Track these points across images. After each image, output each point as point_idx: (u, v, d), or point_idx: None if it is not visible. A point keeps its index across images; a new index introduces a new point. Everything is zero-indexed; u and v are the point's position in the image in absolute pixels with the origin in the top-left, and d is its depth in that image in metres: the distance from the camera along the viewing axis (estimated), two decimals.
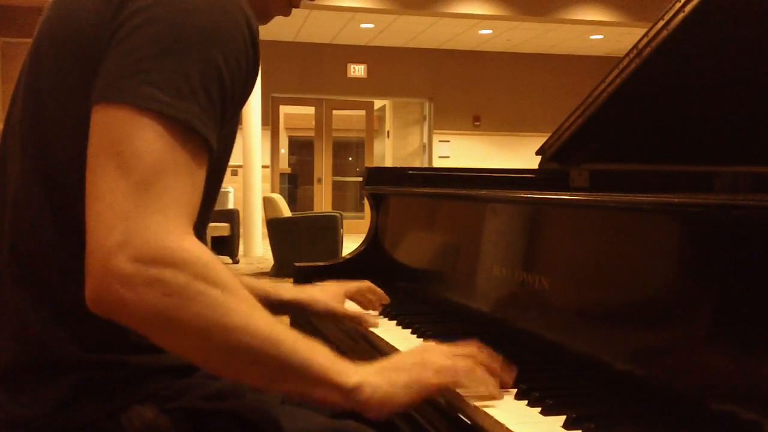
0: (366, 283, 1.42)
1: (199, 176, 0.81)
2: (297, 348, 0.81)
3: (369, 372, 0.86)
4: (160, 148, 0.77)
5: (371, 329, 1.30)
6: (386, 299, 1.43)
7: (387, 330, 1.30)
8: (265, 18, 1.06)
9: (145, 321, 0.76)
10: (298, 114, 14.15)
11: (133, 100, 0.78)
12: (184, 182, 0.78)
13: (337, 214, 7.18)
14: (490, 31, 11.31)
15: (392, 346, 1.20)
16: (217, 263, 0.79)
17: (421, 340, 1.23)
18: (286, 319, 1.50)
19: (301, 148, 15.44)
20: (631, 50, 1.43)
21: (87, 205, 0.77)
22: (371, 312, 1.40)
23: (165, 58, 0.80)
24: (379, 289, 1.43)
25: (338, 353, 0.85)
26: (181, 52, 0.80)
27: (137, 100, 0.78)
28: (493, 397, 0.90)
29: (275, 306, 1.23)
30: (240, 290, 0.79)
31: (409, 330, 1.30)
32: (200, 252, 0.77)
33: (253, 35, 0.87)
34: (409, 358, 0.92)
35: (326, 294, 1.34)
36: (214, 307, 0.76)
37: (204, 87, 0.81)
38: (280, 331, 0.80)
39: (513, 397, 0.90)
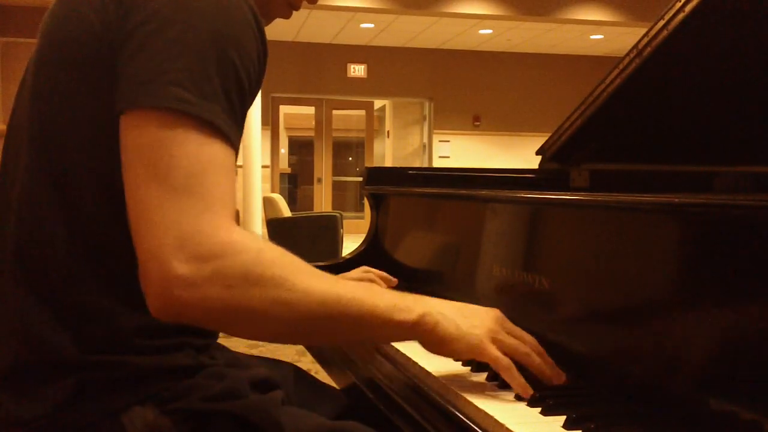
0: (362, 268, 1.43)
1: (232, 173, 0.83)
2: (357, 299, 0.85)
3: (438, 308, 0.91)
4: (194, 150, 0.79)
5: None
6: (392, 280, 1.42)
7: None
8: (265, 19, 1.07)
9: (213, 316, 0.79)
10: (298, 114, 14.16)
11: (160, 101, 0.79)
12: (221, 180, 0.80)
13: (337, 214, 7.18)
14: (490, 31, 11.30)
15: (392, 346, 1.20)
16: (268, 244, 0.82)
17: None
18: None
19: (301, 148, 15.45)
20: (631, 50, 1.43)
21: (133, 218, 0.79)
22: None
23: (186, 60, 0.80)
24: (376, 270, 1.43)
25: None
26: (201, 53, 0.81)
27: (165, 102, 0.79)
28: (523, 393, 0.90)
29: None
30: (294, 262, 0.83)
31: None
32: (250, 239, 0.80)
33: (262, 32, 0.89)
34: (483, 315, 0.95)
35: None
36: (275, 286, 0.79)
37: (224, 88, 0.82)
38: (339, 288, 0.85)
39: (513, 397, 0.90)
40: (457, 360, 0.97)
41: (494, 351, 0.91)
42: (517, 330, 0.97)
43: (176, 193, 0.77)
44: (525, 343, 0.95)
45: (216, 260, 0.76)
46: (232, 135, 0.83)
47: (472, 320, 0.93)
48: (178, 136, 0.79)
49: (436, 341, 0.91)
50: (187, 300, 0.76)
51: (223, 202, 0.79)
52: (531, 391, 0.89)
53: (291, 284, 0.80)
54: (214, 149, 0.80)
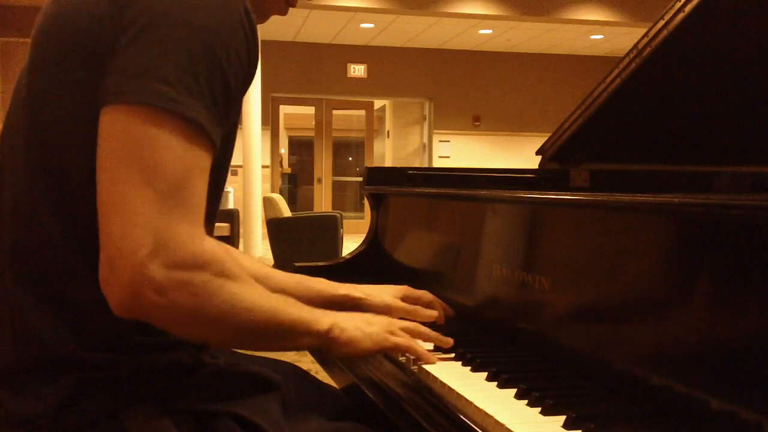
0: (428, 295, 1.33)
1: (207, 175, 0.85)
2: (287, 312, 0.93)
3: (340, 318, 1.01)
4: (180, 154, 0.80)
5: None
6: (450, 312, 1.33)
7: None
8: (262, 17, 1.06)
9: (174, 319, 0.83)
10: (298, 114, 14.15)
11: (147, 97, 0.79)
12: (200, 186, 0.83)
13: (337, 214, 7.17)
14: (490, 31, 11.30)
15: None
16: (228, 256, 0.85)
17: None
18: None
19: (301, 148, 15.44)
20: (631, 50, 1.43)
21: (106, 212, 0.80)
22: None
23: (175, 57, 0.81)
24: (438, 302, 1.32)
25: None
26: (190, 51, 0.82)
27: (152, 98, 0.79)
28: (428, 362, 1.06)
29: (331, 301, 1.25)
30: (243, 276, 0.87)
31: None
32: (217, 250, 0.84)
33: (253, 29, 0.89)
34: (376, 317, 1.07)
35: (383, 290, 1.30)
36: (230, 297, 0.84)
37: (210, 87, 0.83)
38: (273, 302, 0.91)
39: (513, 396, 0.90)
40: (365, 356, 1.09)
41: (394, 339, 1.04)
42: (406, 322, 1.10)
43: (159, 197, 0.79)
44: (415, 321, 1.11)
45: (188, 270, 0.80)
46: (214, 135, 0.84)
47: (369, 320, 1.05)
48: (164, 137, 0.80)
49: (344, 344, 1.00)
50: (155, 302, 0.79)
51: (198, 209, 0.82)
52: (433, 359, 1.05)
53: (242, 297, 0.86)
54: (197, 153, 0.82)
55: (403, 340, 1.04)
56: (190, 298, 0.81)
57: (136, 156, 0.79)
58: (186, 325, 0.84)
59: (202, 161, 0.83)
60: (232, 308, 0.85)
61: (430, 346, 1.13)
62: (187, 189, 0.81)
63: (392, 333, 1.05)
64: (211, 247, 0.83)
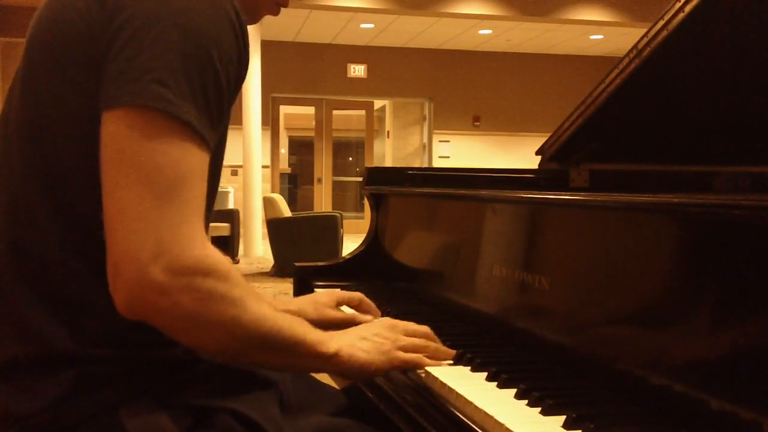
0: (357, 294, 1.37)
1: (206, 177, 0.85)
2: (292, 331, 0.91)
3: (346, 340, 0.99)
4: (178, 157, 0.81)
5: None
6: (378, 313, 1.36)
7: None
8: (254, 17, 1.08)
9: (176, 323, 0.83)
10: (298, 114, 14.16)
11: (142, 100, 0.81)
12: (198, 188, 0.83)
13: (337, 214, 7.18)
14: (490, 31, 11.31)
15: None
16: (231, 264, 0.86)
17: None
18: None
19: (301, 148, 15.45)
20: (631, 50, 1.43)
21: (109, 217, 0.81)
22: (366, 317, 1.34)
23: (168, 58, 0.82)
24: (370, 302, 1.37)
25: None
26: (182, 52, 0.83)
27: (147, 100, 0.80)
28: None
29: None
30: (248, 287, 0.88)
31: None
32: (219, 257, 0.84)
33: (243, 30, 0.90)
34: (382, 332, 1.04)
35: (316, 303, 1.31)
36: (234, 305, 0.84)
37: (203, 88, 0.84)
38: (278, 318, 0.90)
39: (513, 396, 0.91)
40: (377, 377, 1.06)
41: (403, 357, 1.02)
42: (409, 325, 1.07)
43: (158, 201, 0.80)
44: (419, 335, 1.06)
45: (192, 274, 0.81)
46: (207, 136, 0.85)
47: (374, 340, 1.01)
48: (161, 140, 0.81)
49: (353, 369, 0.97)
50: (158, 305, 0.80)
51: (198, 212, 0.83)
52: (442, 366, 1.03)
53: (247, 307, 0.86)
54: (193, 156, 0.83)
55: (412, 356, 1.03)
56: (193, 302, 0.81)
57: (134, 161, 0.80)
58: (189, 329, 0.84)
59: (198, 165, 0.83)
60: (236, 317, 0.84)
61: None
62: (185, 192, 0.81)
63: (401, 348, 1.03)
64: (214, 252, 0.84)
